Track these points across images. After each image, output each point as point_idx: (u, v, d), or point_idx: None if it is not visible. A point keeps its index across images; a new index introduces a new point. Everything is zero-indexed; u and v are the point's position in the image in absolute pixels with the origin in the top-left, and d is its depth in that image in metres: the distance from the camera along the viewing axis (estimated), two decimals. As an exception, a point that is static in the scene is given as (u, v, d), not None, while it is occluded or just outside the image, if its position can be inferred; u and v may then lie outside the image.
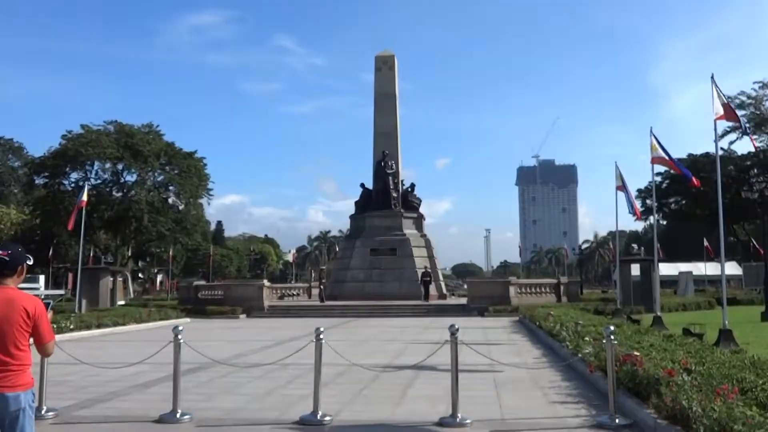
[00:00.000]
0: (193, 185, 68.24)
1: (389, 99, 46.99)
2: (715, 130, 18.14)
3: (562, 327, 16.39)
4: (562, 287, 36.74)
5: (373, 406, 9.28)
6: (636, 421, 7.75)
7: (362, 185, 46.42)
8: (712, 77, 17.20)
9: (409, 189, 46.74)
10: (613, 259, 47.36)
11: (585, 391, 10.28)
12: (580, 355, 11.47)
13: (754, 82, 65.80)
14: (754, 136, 58.27)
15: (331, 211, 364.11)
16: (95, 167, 65.92)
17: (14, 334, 4.10)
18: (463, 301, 37.61)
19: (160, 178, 69.23)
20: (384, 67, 47.55)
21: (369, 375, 11.73)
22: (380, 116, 46.78)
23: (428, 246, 44.20)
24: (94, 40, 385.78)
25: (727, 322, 16.56)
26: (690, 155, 69.99)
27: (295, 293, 46.43)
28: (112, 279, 38.15)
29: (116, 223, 65.76)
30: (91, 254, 56.06)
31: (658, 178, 68.31)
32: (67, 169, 65.14)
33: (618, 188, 27.99)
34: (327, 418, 8.21)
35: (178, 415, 8.36)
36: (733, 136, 64.53)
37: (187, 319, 30.51)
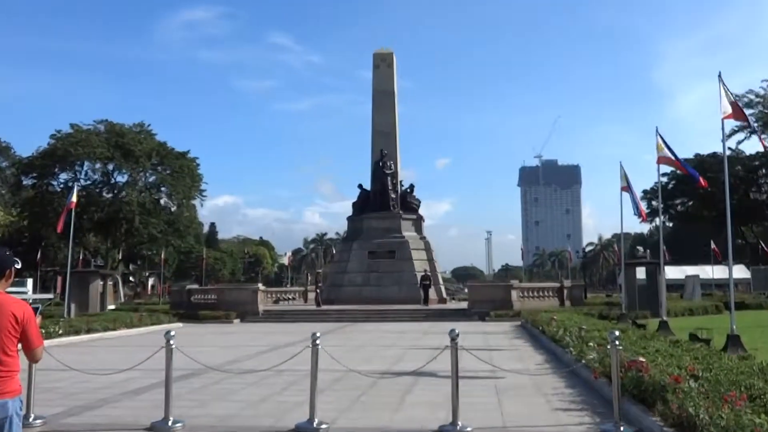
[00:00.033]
0: (185, 186, 68.26)
1: (388, 97, 46.99)
2: (723, 129, 18.17)
3: (566, 332, 16.39)
4: (565, 291, 36.73)
5: (370, 413, 9.28)
6: (641, 429, 7.75)
7: (360, 186, 46.41)
8: (719, 75, 17.25)
9: (408, 190, 46.73)
10: (618, 262, 47.29)
11: (589, 398, 10.28)
12: (583, 361, 11.48)
13: (763, 80, 66.14)
14: (763, 136, 58.33)
15: (328, 212, 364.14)
16: (85, 167, 66.01)
17: (2, 340, 4.10)
18: (464, 305, 37.59)
19: (151, 179, 69.28)
20: (382, 64, 47.55)
21: (367, 381, 11.72)
22: (379, 114, 46.78)
23: (428, 248, 44.18)
24: (82, 38, 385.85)
25: (735, 327, 16.58)
26: (697, 155, 70.17)
27: (290, 297, 46.41)
28: (102, 283, 38.07)
29: (106, 225, 65.75)
30: (81, 257, 55.88)
31: (664, 179, 68.48)
32: (56, 169, 65.15)
33: (623, 189, 28.02)
34: (323, 426, 8.21)
35: (170, 423, 8.35)
36: (740, 135, 64.81)
37: (180, 324, 30.44)
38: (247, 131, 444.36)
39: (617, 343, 8.24)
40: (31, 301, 40.35)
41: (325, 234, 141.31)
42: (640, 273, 34.51)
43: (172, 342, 8.81)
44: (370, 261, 42.60)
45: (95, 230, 67.64)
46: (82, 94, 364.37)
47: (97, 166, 65.70)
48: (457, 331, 8.47)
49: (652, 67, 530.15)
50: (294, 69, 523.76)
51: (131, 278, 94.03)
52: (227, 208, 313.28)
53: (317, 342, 8.59)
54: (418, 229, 45.32)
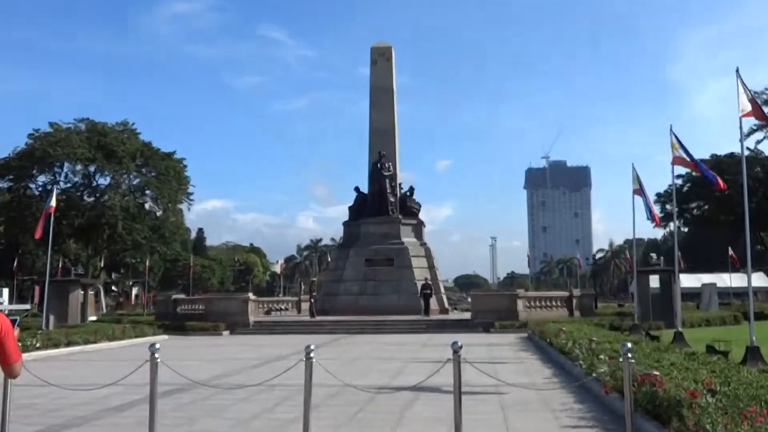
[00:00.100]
0: (171, 189, 68.26)
1: (386, 93, 47.04)
2: (741, 128, 18.19)
3: (575, 344, 16.39)
4: (574, 300, 36.74)
5: (368, 431, 9.26)
6: (655, 447, 7.75)
7: (356, 189, 46.41)
8: (737, 71, 17.28)
9: (408, 193, 46.75)
10: (630, 269, 47.34)
11: (599, 414, 10.27)
12: (594, 375, 11.47)
13: (783, 77, 66.14)
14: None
15: (323, 217, 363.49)
16: (65, 169, 65.98)
17: (-24, 354, 4.08)
18: (467, 315, 37.58)
19: (135, 182, 69.27)
20: (380, 59, 47.62)
21: (364, 397, 11.70)
22: (376, 112, 46.82)
23: (428, 255, 44.17)
24: (61, 31, 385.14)
25: (754, 339, 16.58)
26: (713, 156, 70.25)
27: (283, 307, 46.42)
28: (82, 292, 38.03)
29: (88, 231, 65.71)
30: (60, 265, 55.84)
31: (679, 181, 68.53)
32: (34, 171, 65.12)
33: (635, 192, 28.04)
34: (318, 445, 8.18)
35: (154, 442, 8.32)
36: (759, 135, 64.82)
37: (165, 336, 30.43)
38: (237, 131, 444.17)
39: (629, 355, 8.23)
40: (6, 312, 40.27)
41: (320, 240, 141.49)
42: (654, 281, 34.52)
43: (157, 355, 8.79)
44: (368, 269, 42.58)
45: (76, 236, 67.59)
46: (62, 91, 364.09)
47: (78, 167, 65.66)
48: (459, 343, 8.45)
49: (666, 63, 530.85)
50: (286, 65, 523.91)
51: (114, 288, 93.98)
52: (216, 212, 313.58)
53: (311, 355, 8.57)
54: (419, 234, 45.32)
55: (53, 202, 31.43)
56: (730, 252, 57.29)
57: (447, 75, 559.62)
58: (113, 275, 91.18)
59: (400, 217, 44.45)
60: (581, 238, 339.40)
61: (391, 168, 44.95)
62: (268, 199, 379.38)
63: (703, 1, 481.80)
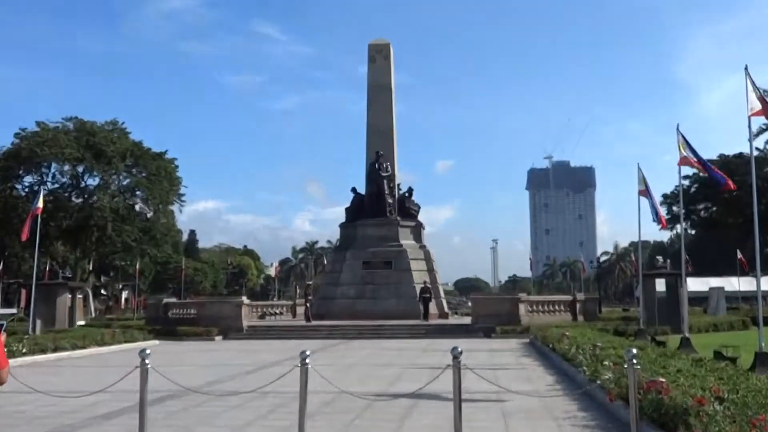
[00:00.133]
0: (162, 190, 68.23)
1: (384, 92, 47.07)
2: (750, 127, 18.23)
3: (579, 350, 16.40)
4: (578, 305, 36.79)
5: (365, 440, 9.24)
6: (662, 456, 7.75)
7: (354, 190, 46.44)
8: (746, 69, 17.30)
9: (407, 194, 46.77)
10: (636, 273, 47.37)
11: (604, 422, 10.27)
12: (598, 382, 11.47)
13: (794, 75, 66.31)
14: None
15: (319, 219, 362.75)
16: (52, 169, 65.93)
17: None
18: (467, 320, 37.59)
19: (125, 182, 69.24)
20: (378, 56, 47.65)
21: (361, 404, 11.70)
22: (374, 112, 46.84)
23: (428, 258, 44.18)
24: (49, 28, 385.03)
25: (764, 345, 16.59)
26: (721, 156, 70.44)
27: (277, 312, 46.34)
28: (70, 296, 37.95)
29: (76, 233, 65.66)
30: (47, 268, 55.67)
31: (686, 182, 68.65)
32: (21, 171, 65.06)
33: (641, 193, 28.07)
34: (313, 454, 8.18)
35: (144, 451, 8.31)
36: (769, 134, 64.92)
37: (156, 342, 30.41)
38: (230, 130, 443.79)
39: (635, 362, 8.23)
40: (-8, 316, 40.20)
41: (316, 242, 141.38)
42: (660, 285, 34.57)
43: (147, 361, 8.78)
44: (365, 272, 42.57)
45: (63, 238, 67.55)
46: (49, 89, 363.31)
47: (66, 168, 65.62)
48: (459, 349, 8.46)
49: (673, 60, 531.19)
50: (281, 62, 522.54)
51: (103, 291, 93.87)
52: (208, 214, 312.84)
53: (307, 361, 8.56)
54: (418, 237, 45.33)
55: (40, 203, 31.43)
56: (739, 255, 57.31)
57: (447, 73, 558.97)
58: (102, 278, 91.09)
59: (398, 218, 44.46)
60: (585, 241, 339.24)
61: (390, 168, 44.97)
62: (262, 200, 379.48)
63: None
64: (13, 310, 56.52)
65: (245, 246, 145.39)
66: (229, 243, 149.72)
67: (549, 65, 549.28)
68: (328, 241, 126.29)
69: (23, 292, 58.27)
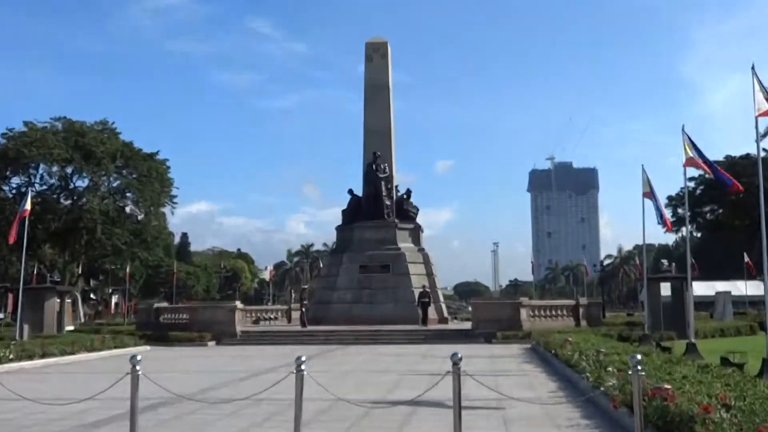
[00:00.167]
0: (154, 191, 68.27)
1: (381, 92, 47.11)
2: (756, 128, 18.25)
3: (582, 356, 16.41)
4: (581, 309, 36.77)
5: (362, 448, 9.24)
6: (667, 465, 7.75)
7: (350, 192, 46.46)
8: (753, 67, 17.33)
9: (405, 196, 46.78)
10: (640, 277, 47.40)
11: (607, 430, 10.29)
12: (602, 389, 11.48)
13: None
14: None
15: (315, 221, 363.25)
16: (40, 171, 66.01)
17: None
18: (467, 325, 37.59)
19: (115, 184, 69.27)
20: (375, 55, 47.69)
21: (358, 411, 11.69)
22: (371, 112, 46.88)
23: (427, 262, 44.19)
24: (35, 26, 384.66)
25: (771, 350, 16.60)
26: (728, 157, 70.63)
27: (272, 317, 46.37)
28: (59, 300, 37.94)
29: (65, 236, 65.66)
30: (35, 272, 55.75)
31: (692, 184, 68.91)
32: (8, 172, 65.05)
33: (645, 195, 28.10)
34: (309, 463, 8.17)
35: (135, 460, 8.30)
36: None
37: (147, 347, 30.36)
38: (223, 130, 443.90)
39: (639, 368, 8.24)
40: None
41: (312, 245, 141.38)
42: (665, 289, 34.57)
43: (138, 367, 8.77)
44: (362, 276, 42.57)
45: (52, 241, 67.55)
46: (37, 89, 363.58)
47: (54, 169, 65.65)
48: (459, 355, 8.46)
49: (677, 58, 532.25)
50: (276, 60, 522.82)
51: (92, 296, 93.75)
52: (201, 216, 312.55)
53: (302, 367, 8.56)
54: (416, 240, 45.35)
55: (28, 206, 31.36)
56: (746, 258, 57.45)
57: (446, 72, 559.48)
58: (92, 282, 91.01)
59: (396, 221, 44.47)
60: (588, 244, 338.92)
61: (387, 169, 44.98)
62: (256, 201, 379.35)
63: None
64: (0, 315, 56.43)
65: (239, 249, 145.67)
66: (222, 246, 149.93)
67: (550, 64, 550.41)
68: (324, 244, 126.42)
69: (10, 296, 58.25)
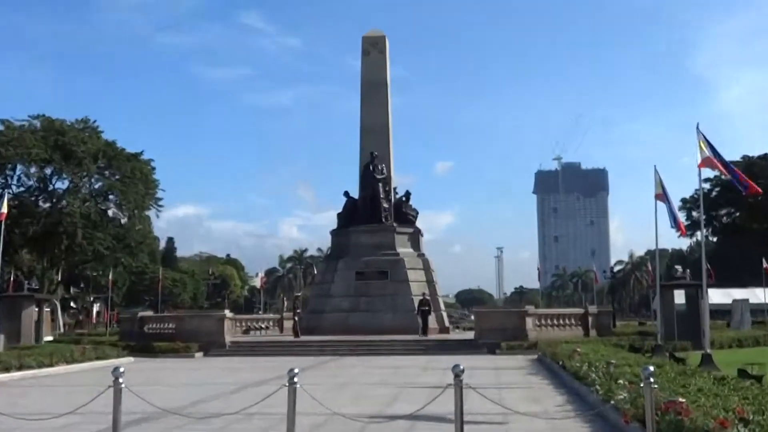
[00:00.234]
0: (138, 194, 68.19)
1: (379, 88, 47.15)
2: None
3: (591, 367, 16.42)
4: (590, 318, 36.81)
5: (359, 466, 9.24)
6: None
7: (346, 194, 46.47)
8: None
9: (404, 198, 46.82)
10: (653, 284, 47.46)
11: (619, 446, 10.28)
12: (612, 402, 11.48)
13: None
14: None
15: (308, 225, 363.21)
16: (17, 172, 65.87)
17: None
18: (470, 335, 37.61)
19: (97, 185, 69.19)
20: (373, 50, 47.74)
21: (354, 426, 11.68)
22: (368, 109, 46.92)
23: (427, 268, 44.21)
24: (12, 18, 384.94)
25: (791, 361, 16.61)
26: (744, 157, 70.72)
27: (263, 326, 46.30)
28: (37, 309, 37.88)
29: (43, 241, 65.53)
30: (12, 279, 55.73)
31: (707, 186, 68.96)
32: (-17, 174, 64.93)
33: (658, 197, 28.09)
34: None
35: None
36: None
37: (131, 359, 30.37)
38: (212, 128, 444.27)
39: (652, 380, 8.25)
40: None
41: (305, 251, 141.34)
42: (679, 297, 34.58)
43: (121, 380, 8.77)
44: (359, 283, 42.58)
45: (30, 246, 67.43)
46: (14, 85, 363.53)
47: (33, 170, 65.56)
48: (461, 367, 8.47)
49: (690, 54, 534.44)
50: (268, 55, 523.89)
51: (72, 304, 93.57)
52: (188, 220, 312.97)
53: (295, 380, 8.56)
54: (416, 244, 45.37)
55: (4, 209, 31.40)
56: (765, 264, 57.45)
57: (447, 68, 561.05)
58: (72, 290, 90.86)
59: (394, 225, 44.49)
60: (598, 249, 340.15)
61: (385, 170, 45.01)
62: (246, 204, 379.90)
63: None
64: (-25, 325, 56.31)
65: (228, 255, 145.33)
66: (211, 251, 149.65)
67: (553, 62, 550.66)
68: (319, 250, 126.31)
69: (-15, 305, 58.14)
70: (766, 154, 67.00)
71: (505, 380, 20.51)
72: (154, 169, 71.27)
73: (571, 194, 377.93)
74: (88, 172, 66.06)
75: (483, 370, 23.04)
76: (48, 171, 66.16)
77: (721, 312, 55.55)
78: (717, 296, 57.60)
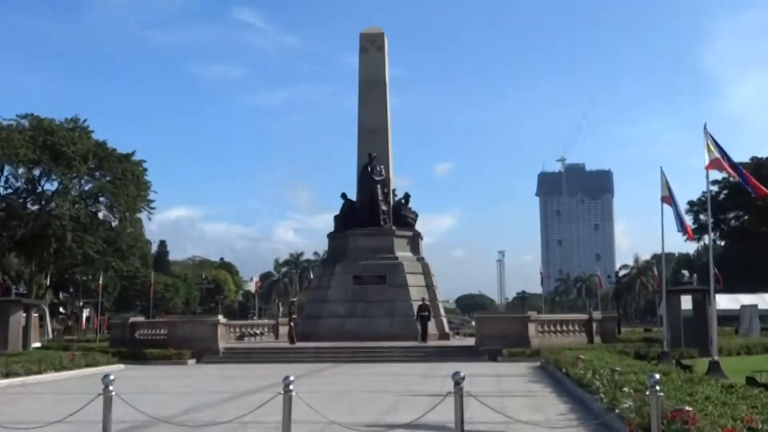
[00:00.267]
0: (129, 195, 68.15)
1: (377, 87, 47.14)
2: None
3: (595, 375, 16.43)
4: (594, 324, 36.84)
5: (356, 476, 9.23)
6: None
7: (343, 196, 46.47)
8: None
9: (403, 200, 46.81)
10: (659, 289, 47.46)
11: (624, 456, 10.27)
12: (617, 411, 11.47)
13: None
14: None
15: (304, 228, 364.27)
16: (5, 173, 65.78)
17: None
18: (471, 341, 37.56)
19: (87, 187, 69.11)
20: (371, 47, 47.74)
21: (351, 436, 11.66)
22: (366, 109, 46.90)
23: (426, 272, 44.19)
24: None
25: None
26: (754, 159, 70.74)
27: (258, 332, 46.28)
28: (25, 314, 37.84)
29: (31, 244, 65.45)
30: (-1, 283, 55.68)
31: (715, 188, 69.00)
32: (-31, 175, 64.89)
33: (664, 199, 28.12)
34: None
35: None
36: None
37: (121, 366, 30.31)
38: (205, 129, 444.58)
39: (658, 388, 8.25)
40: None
41: (301, 254, 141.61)
42: (686, 302, 34.59)
43: (111, 388, 8.76)
44: (356, 288, 42.56)
45: (17, 250, 67.38)
46: (1, 83, 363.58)
47: (21, 170, 65.51)
48: (462, 374, 8.47)
49: (698, 51, 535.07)
50: (263, 53, 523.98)
51: (61, 309, 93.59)
52: (181, 222, 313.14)
53: (290, 387, 8.56)
54: (415, 248, 45.35)
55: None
56: (774, 269, 57.52)
57: (447, 68, 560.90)
58: (61, 295, 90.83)
59: (393, 228, 44.48)
60: (602, 253, 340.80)
61: (384, 172, 45.00)
62: (241, 207, 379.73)
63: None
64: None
65: (222, 258, 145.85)
66: (204, 255, 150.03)
67: (558, 61, 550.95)
68: (315, 253, 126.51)
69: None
70: (775, 155, 67.04)
71: (507, 388, 20.51)
72: (145, 170, 71.28)
73: (575, 196, 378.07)
74: (77, 173, 65.98)
75: (484, 377, 23.03)
76: (36, 172, 66.11)
77: (729, 318, 55.62)
78: (725, 302, 57.56)
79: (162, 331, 37.74)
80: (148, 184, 71.61)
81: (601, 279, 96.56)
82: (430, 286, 43.51)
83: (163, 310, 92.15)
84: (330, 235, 47.06)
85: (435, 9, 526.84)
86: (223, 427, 12.18)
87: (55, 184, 66.89)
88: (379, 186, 44.58)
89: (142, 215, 73.68)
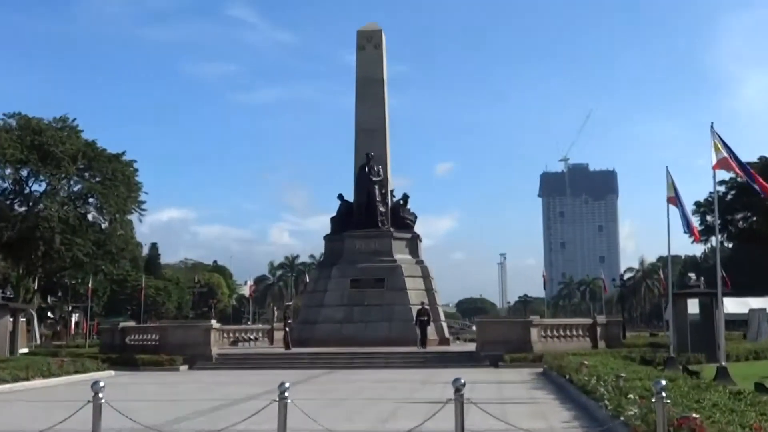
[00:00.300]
0: (119, 197, 68.04)
1: (375, 86, 47.15)
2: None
3: (599, 381, 16.43)
4: (598, 329, 36.84)
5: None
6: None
7: (340, 197, 46.49)
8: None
9: (401, 202, 46.83)
10: (665, 292, 47.47)
11: (629, 465, 10.27)
12: (622, 418, 11.48)
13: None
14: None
15: (300, 230, 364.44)
16: (-8, 173, 65.62)
17: None
18: (471, 347, 37.61)
19: (76, 188, 69.01)
20: (368, 44, 47.77)
21: (348, 445, 11.66)
22: (363, 108, 46.92)
23: (426, 275, 44.21)
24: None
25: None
26: (762, 158, 70.77)
27: (252, 337, 46.29)
28: (12, 319, 37.81)
29: (19, 247, 65.32)
30: (-15, 287, 55.62)
31: (722, 188, 69.03)
32: (-45, 175, 64.78)
33: (669, 200, 28.16)
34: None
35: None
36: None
37: (111, 372, 30.33)
38: (198, 128, 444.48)
39: (664, 394, 8.25)
40: None
41: (297, 257, 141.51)
42: (693, 306, 34.59)
43: (101, 395, 8.76)
44: (354, 291, 42.55)
45: (4, 253, 67.22)
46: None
47: (8, 171, 65.34)
48: (462, 380, 8.46)
49: (705, 48, 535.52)
50: (258, 51, 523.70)
51: (50, 314, 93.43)
52: (173, 224, 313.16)
53: (286, 394, 8.56)
54: (414, 251, 45.36)
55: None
56: (783, 271, 57.55)
57: (447, 65, 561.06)
58: (49, 299, 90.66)
59: (391, 230, 44.49)
60: (607, 256, 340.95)
61: (381, 172, 45.01)
62: (234, 208, 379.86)
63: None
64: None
65: (215, 261, 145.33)
66: (197, 258, 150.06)
67: (560, 60, 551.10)
68: (311, 256, 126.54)
69: (-43, 315, 58.03)
70: (784, 155, 67.10)
71: (509, 395, 20.52)
72: (136, 170, 71.12)
73: (579, 197, 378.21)
74: (66, 173, 65.86)
75: (485, 384, 23.05)
76: (24, 172, 65.98)
77: (737, 322, 55.59)
78: (732, 305, 57.56)
79: (153, 337, 37.74)
80: (139, 184, 71.53)
81: (605, 282, 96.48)
82: (429, 290, 43.51)
83: (155, 315, 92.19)
84: (327, 237, 47.06)
85: (435, 8, 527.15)
86: (217, 436, 12.19)
87: (44, 185, 66.83)
88: (376, 187, 44.58)
89: (133, 217, 73.60)
